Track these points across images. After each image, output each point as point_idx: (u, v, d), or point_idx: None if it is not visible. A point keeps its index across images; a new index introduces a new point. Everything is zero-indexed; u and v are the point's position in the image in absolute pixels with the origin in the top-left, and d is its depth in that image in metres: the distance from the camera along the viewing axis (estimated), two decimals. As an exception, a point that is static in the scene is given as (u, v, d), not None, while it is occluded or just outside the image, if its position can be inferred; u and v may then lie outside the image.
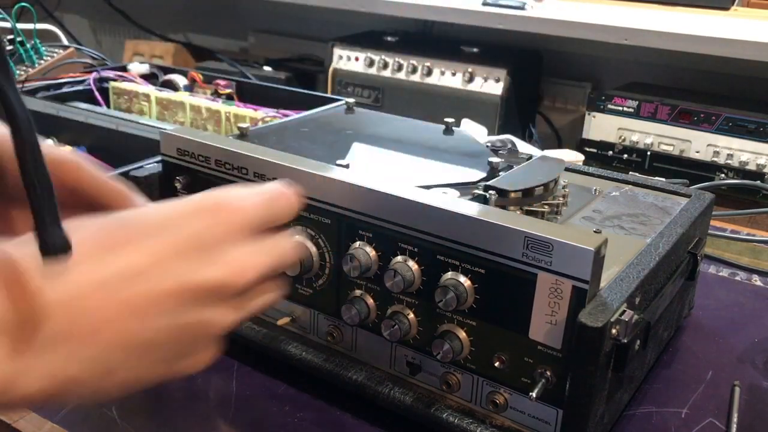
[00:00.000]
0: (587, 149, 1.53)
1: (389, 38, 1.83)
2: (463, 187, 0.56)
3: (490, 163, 0.60)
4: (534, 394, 0.47)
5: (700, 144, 1.43)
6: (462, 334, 0.50)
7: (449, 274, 0.49)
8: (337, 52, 1.77)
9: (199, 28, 2.33)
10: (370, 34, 1.87)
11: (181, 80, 1.17)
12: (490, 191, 0.53)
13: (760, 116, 1.37)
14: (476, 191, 0.54)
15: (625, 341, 0.45)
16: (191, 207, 0.37)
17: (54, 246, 0.31)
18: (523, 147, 0.95)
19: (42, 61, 1.22)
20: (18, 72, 1.18)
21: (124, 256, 0.34)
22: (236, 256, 0.36)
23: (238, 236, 0.37)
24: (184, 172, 0.62)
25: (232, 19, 2.28)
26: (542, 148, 1.17)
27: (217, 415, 0.55)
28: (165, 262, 0.34)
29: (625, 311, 0.45)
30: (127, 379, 0.34)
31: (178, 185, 0.63)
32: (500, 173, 0.59)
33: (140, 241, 0.34)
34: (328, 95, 1.12)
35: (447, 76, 1.68)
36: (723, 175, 1.40)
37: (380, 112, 0.83)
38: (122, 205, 0.43)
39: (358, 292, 0.55)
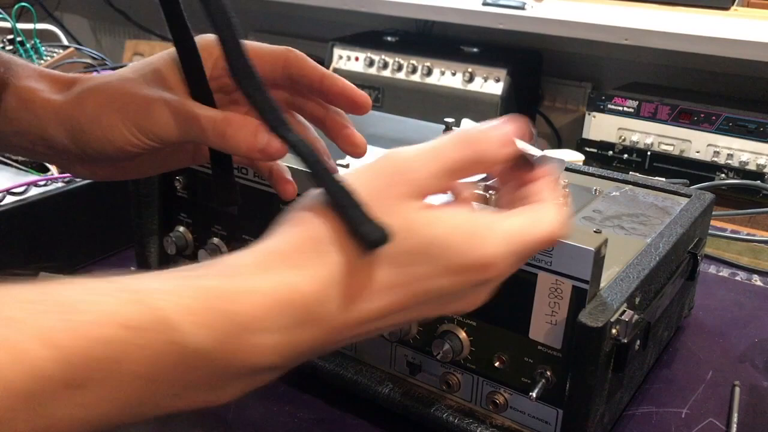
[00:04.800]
0: (587, 149, 1.53)
1: (389, 38, 1.83)
2: (463, 187, 0.56)
3: (490, 163, 0.60)
4: (534, 394, 0.47)
5: (700, 144, 1.43)
6: (462, 334, 0.50)
7: (449, 274, 0.49)
8: (337, 52, 1.78)
9: (199, 28, 2.33)
10: (370, 34, 1.87)
11: (181, 80, 1.17)
12: (490, 191, 0.53)
13: (760, 116, 1.37)
14: (476, 191, 0.54)
15: (625, 341, 0.45)
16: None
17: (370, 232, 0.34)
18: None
19: (42, 61, 1.22)
20: (18, 72, 1.18)
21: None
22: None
23: None
24: (184, 172, 0.62)
25: (232, 19, 2.28)
26: (542, 148, 1.17)
27: (217, 415, 0.55)
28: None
29: (625, 311, 0.45)
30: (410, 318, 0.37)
31: (177, 185, 0.63)
32: (500, 173, 0.59)
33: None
34: (328, 95, 1.12)
35: (447, 76, 1.68)
36: (723, 175, 1.40)
37: (380, 112, 0.83)
38: (342, 98, 0.49)
39: (358, 292, 0.55)
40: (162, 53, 0.48)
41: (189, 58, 0.45)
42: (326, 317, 0.33)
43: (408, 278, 0.34)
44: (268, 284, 0.32)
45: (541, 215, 0.38)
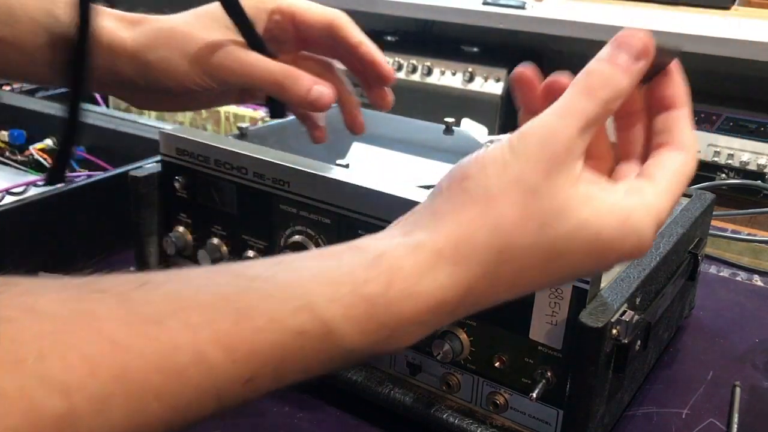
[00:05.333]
0: (587, 149, 1.52)
1: (389, 38, 1.83)
2: (463, 187, 0.55)
3: (490, 163, 0.59)
4: (534, 395, 0.46)
5: (700, 144, 1.43)
6: (462, 335, 0.50)
7: (449, 275, 0.49)
8: (337, 51, 1.77)
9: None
10: (370, 34, 1.87)
11: (180, 80, 1.17)
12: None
13: (761, 116, 1.37)
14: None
15: (626, 341, 0.45)
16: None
17: None
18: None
19: (42, 61, 1.22)
20: (18, 72, 1.18)
21: None
22: None
23: None
24: (184, 172, 0.62)
25: (232, 18, 2.28)
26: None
27: (217, 415, 0.55)
28: None
29: (625, 311, 0.45)
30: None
31: (177, 185, 0.63)
32: (500, 173, 0.58)
33: None
34: (328, 95, 1.12)
35: (447, 76, 1.68)
36: (724, 175, 1.40)
37: (380, 112, 0.83)
38: (371, 68, 0.57)
39: (358, 292, 0.55)
40: (215, 4, 0.53)
41: (236, 12, 0.51)
42: (473, 307, 0.35)
43: (559, 267, 0.34)
44: (426, 288, 0.33)
45: (684, 168, 0.36)
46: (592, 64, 0.35)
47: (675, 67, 0.37)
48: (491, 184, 0.34)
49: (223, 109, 1.02)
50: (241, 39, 0.52)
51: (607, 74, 0.34)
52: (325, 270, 0.33)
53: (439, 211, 0.35)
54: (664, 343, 0.64)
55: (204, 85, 0.52)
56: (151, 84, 0.53)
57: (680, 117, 0.36)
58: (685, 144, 0.36)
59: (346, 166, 0.56)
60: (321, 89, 0.52)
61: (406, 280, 0.33)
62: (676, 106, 0.36)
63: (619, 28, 0.36)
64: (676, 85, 0.37)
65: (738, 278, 0.80)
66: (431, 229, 0.34)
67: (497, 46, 1.75)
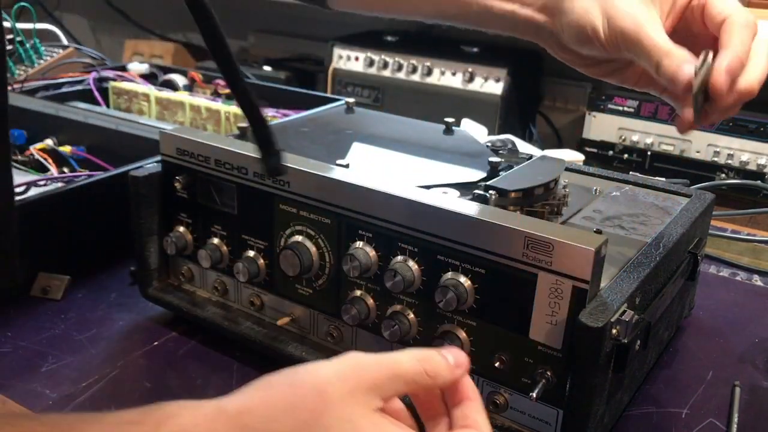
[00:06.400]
0: (587, 149, 1.52)
1: (389, 38, 1.82)
2: (463, 187, 0.56)
3: (490, 162, 0.60)
4: (534, 395, 0.47)
5: (700, 144, 1.43)
6: (462, 335, 0.50)
7: (449, 274, 0.49)
8: (337, 51, 1.77)
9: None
10: (370, 34, 1.86)
11: (180, 80, 1.17)
12: (491, 191, 0.53)
13: (761, 116, 1.37)
14: (476, 191, 0.54)
15: (626, 341, 0.45)
16: None
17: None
18: (524, 147, 0.95)
19: (41, 61, 1.22)
20: (17, 72, 1.18)
21: None
22: None
23: None
24: (184, 172, 0.62)
25: (232, 19, 2.28)
26: (542, 148, 1.17)
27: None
28: None
29: (625, 311, 0.45)
30: None
31: (177, 185, 0.63)
32: (500, 173, 0.59)
33: None
34: (328, 95, 1.12)
35: (447, 76, 1.68)
36: (723, 175, 1.39)
37: (380, 112, 0.83)
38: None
39: (358, 292, 0.55)
40: None
41: None
42: None
43: None
44: None
45: None
46: (437, 353, 0.41)
47: (465, 375, 0.42)
48: (297, 378, 0.38)
49: (223, 109, 1.02)
50: (657, 18, 0.50)
51: (443, 365, 0.41)
52: (103, 416, 0.36)
53: (244, 390, 0.38)
54: (664, 343, 0.64)
55: (597, 37, 0.50)
56: (559, 26, 0.55)
57: (475, 406, 0.42)
58: (482, 427, 0.41)
59: (346, 166, 0.56)
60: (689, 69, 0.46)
61: (178, 426, 0.36)
62: (470, 397, 0.42)
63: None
64: (468, 384, 0.42)
65: (738, 278, 0.80)
66: (228, 397, 0.38)
67: (497, 46, 1.74)
